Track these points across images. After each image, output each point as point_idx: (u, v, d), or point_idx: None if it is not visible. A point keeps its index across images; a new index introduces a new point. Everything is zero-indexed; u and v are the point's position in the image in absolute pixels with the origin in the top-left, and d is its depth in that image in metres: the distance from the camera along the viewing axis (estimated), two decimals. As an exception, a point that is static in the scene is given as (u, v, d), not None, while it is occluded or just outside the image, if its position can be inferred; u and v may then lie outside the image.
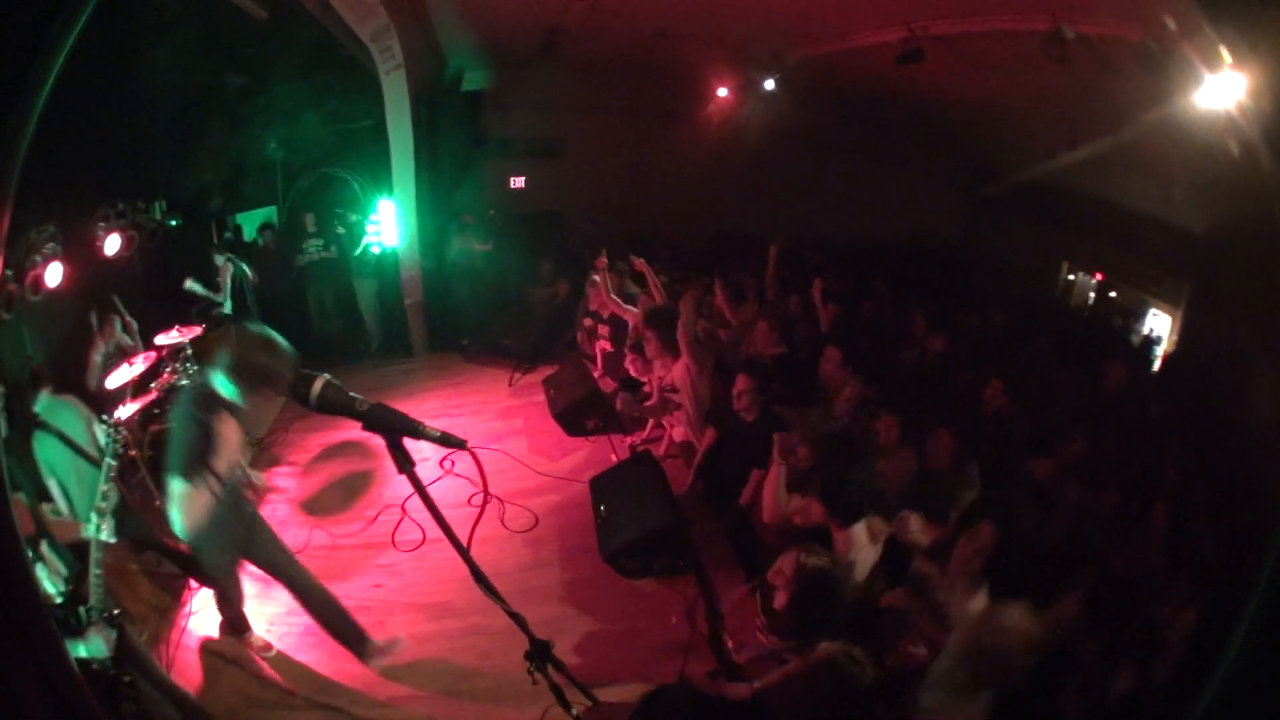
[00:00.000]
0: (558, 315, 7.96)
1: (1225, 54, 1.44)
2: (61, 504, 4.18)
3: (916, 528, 3.69)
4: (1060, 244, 7.71)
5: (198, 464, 3.30)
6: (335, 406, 1.63)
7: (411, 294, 8.72)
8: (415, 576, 4.82)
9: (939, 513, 3.76)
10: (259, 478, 3.91)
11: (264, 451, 6.81)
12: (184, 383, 6.23)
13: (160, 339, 6.26)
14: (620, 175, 9.31)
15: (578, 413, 6.33)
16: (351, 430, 6.30)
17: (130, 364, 5.77)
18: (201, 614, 4.75)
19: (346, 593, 4.69)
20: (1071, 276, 7.85)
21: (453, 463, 5.79)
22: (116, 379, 5.64)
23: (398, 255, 8.63)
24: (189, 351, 6.45)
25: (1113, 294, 7.51)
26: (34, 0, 1.00)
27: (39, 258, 5.32)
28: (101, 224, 6.37)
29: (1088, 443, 4.39)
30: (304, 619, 4.51)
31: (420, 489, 1.76)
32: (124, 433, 3.31)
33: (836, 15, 6.34)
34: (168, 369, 6.18)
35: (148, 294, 7.46)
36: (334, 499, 5.88)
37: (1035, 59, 5.30)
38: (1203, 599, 3.04)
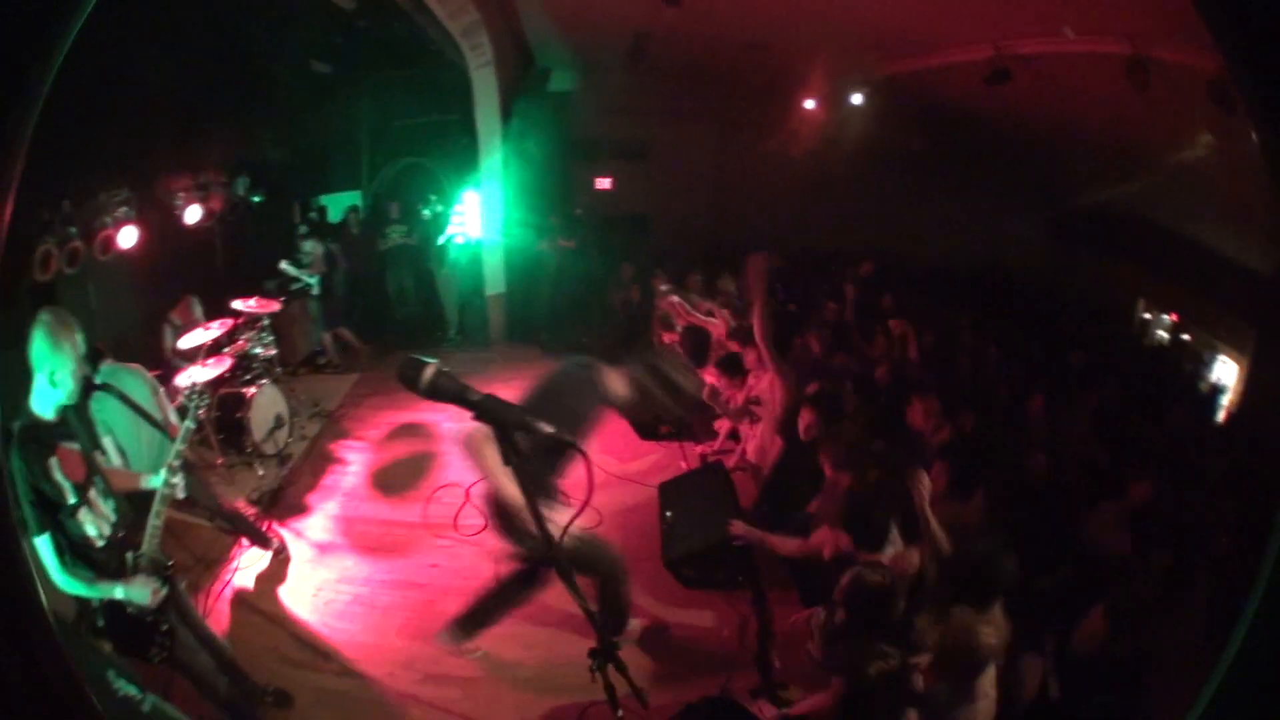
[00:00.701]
0: (636, 318, 7.77)
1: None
2: (116, 461, 4.20)
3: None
4: (1138, 280, 7.38)
5: None
6: (446, 394, 1.54)
7: (493, 285, 8.71)
8: (472, 561, 4.70)
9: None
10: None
11: (334, 424, 6.88)
12: (257, 351, 6.40)
13: (237, 304, 6.39)
14: (703, 182, 9.20)
15: (652, 417, 6.17)
16: (420, 412, 6.32)
17: (206, 328, 5.88)
18: (247, 570, 4.78)
19: (401, 569, 4.70)
20: (1148, 315, 7.51)
21: None
22: (189, 340, 5.75)
23: (481, 246, 8.63)
24: (265, 323, 6.61)
25: (1185, 336, 7.18)
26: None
27: (109, 220, 5.49)
28: (181, 194, 6.53)
29: (1148, 493, 4.08)
30: (354, 587, 4.56)
31: (525, 487, 1.67)
32: (208, 400, 3.33)
33: (924, 31, 6.13)
34: (242, 337, 6.29)
35: (226, 265, 7.67)
36: (399, 477, 5.86)
37: (1118, 85, 5.03)
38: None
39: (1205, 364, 6.76)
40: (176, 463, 3.01)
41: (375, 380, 7.85)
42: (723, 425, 6.04)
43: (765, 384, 5.25)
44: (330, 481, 5.87)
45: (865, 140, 7.69)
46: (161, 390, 4.68)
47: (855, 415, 4.64)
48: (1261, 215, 5.01)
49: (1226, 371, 6.55)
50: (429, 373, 1.55)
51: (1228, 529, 3.94)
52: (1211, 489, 4.59)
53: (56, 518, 2.64)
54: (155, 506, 2.94)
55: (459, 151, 8.64)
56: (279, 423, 6.19)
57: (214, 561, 4.89)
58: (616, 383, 3.78)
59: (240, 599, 4.56)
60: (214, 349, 5.99)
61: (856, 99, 7.38)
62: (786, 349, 5.63)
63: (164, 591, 2.87)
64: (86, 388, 4.27)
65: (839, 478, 3.97)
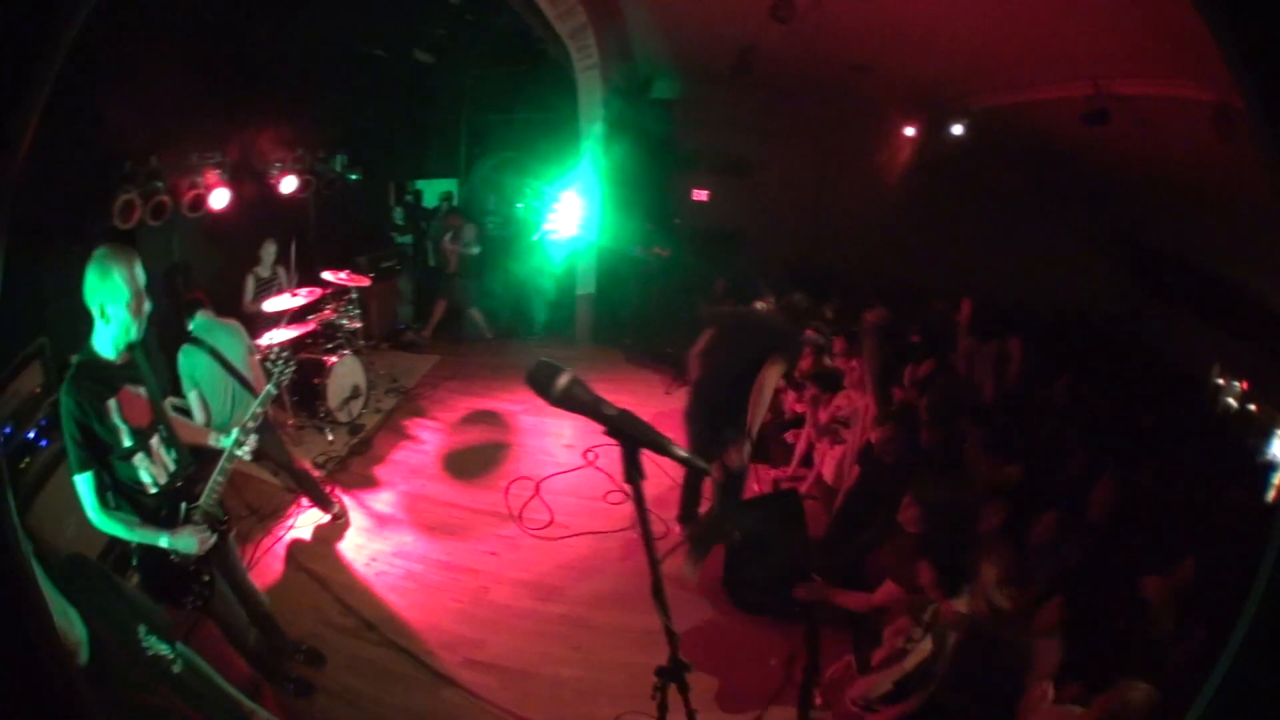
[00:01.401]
0: None
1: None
2: (199, 414, 4.33)
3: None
4: (1215, 341, 6.89)
5: None
6: (579, 404, 1.46)
7: (583, 285, 8.66)
8: (532, 555, 4.67)
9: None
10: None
11: (410, 401, 6.95)
12: (343, 322, 6.56)
13: (327, 276, 6.54)
14: (800, 202, 8.94)
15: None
16: (499, 401, 6.41)
17: (293, 295, 5.99)
18: (302, 530, 4.84)
19: (458, 552, 4.67)
20: (1220, 380, 7.01)
21: (596, 455, 5.79)
22: (275, 305, 5.87)
23: (574, 245, 8.57)
24: (353, 296, 6.74)
25: (1251, 406, 6.66)
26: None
27: (200, 180, 5.60)
28: (278, 164, 6.66)
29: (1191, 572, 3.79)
30: (408, 563, 4.55)
31: (640, 504, 1.60)
32: (294, 367, 3.30)
33: (1024, 62, 5.85)
34: (329, 306, 6.43)
35: (318, 236, 7.85)
36: (469, 462, 5.84)
37: (1210, 134, 4.62)
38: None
39: (1268, 438, 6.27)
40: (252, 424, 2.98)
41: (455, 364, 7.95)
42: (799, 446, 5.85)
43: (859, 406, 5.09)
44: (399, 457, 5.90)
45: (962, 171, 7.41)
46: (255, 349, 4.74)
47: (939, 462, 4.46)
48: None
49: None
50: (563, 380, 1.46)
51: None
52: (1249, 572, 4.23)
53: (106, 458, 2.59)
54: (222, 463, 2.91)
55: (556, 150, 8.63)
56: (355, 393, 6.29)
57: (268, 515, 4.97)
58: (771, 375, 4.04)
59: (292, 556, 4.60)
60: (298, 315, 6.14)
61: (957, 129, 7.12)
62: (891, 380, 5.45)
63: (212, 542, 2.83)
64: (178, 338, 4.41)
65: (915, 532, 3.81)
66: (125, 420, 2.61)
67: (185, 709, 1.53)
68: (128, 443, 2.62)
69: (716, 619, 4.18)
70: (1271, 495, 5.82)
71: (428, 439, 6.23)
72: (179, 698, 1.52)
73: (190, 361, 4.32)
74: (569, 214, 8.41)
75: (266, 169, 6.57)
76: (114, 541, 2.92)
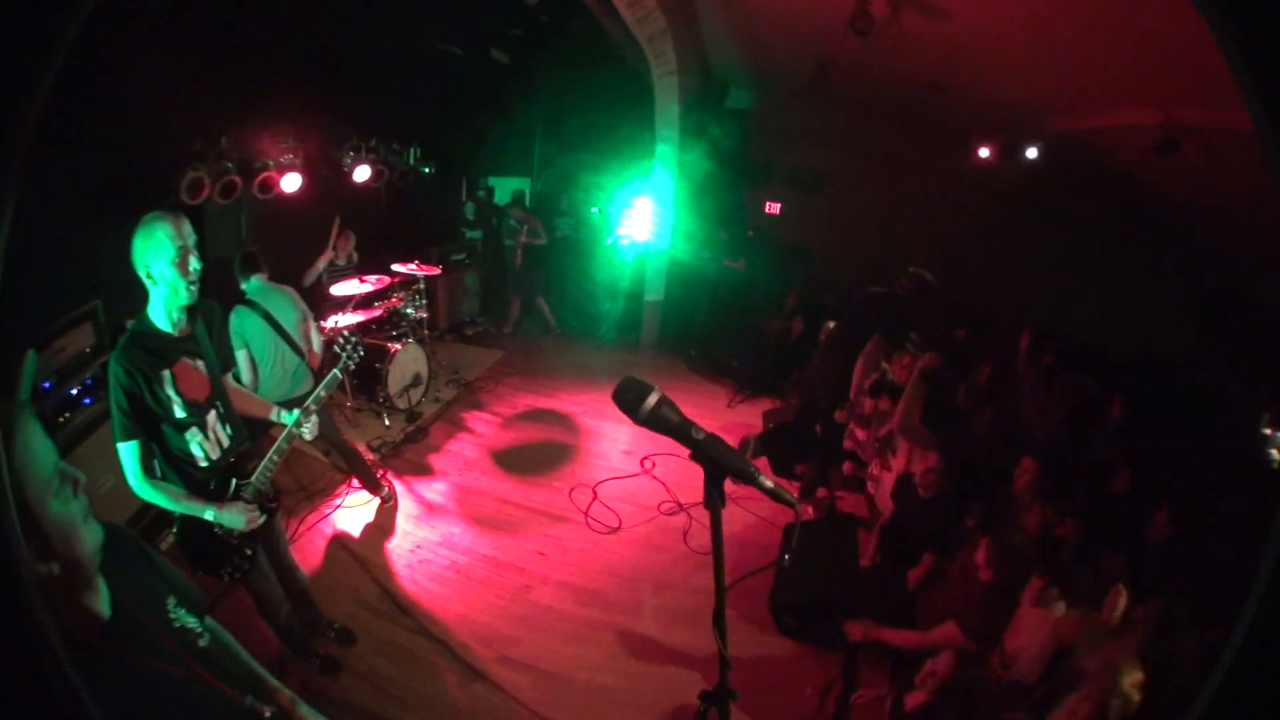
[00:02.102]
0: (789, 351, 7.44)
1: None
2: (245, 375, 4.30)
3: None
4: (1273, 389, 6.35)
5: None
6: (667, 426, 1.38)
7: (652, 292, 8.52)
8: (580, 559, 4.55)
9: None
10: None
11: (470, 394, 6.94)
12: (409, 310, 6.63)
13: (397, 267, 6.61)
14: (872, 221, 8.62)
15: (789, 454, 5.80)
16: (560, 401, 6.40)
17: (362, 280, 6.06)
18: (349, 510, 4.84)
19: (506, 547, 4.59)
20: (1268, 430, 6.46)
21: (653, 463, 5.67)
22: (342, 289, 5.94)
23: (645, 251, 8.47)
24: (421, 286, 6.81)
25: None
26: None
27: (272, 163, 5.66)
28: (351, 153, 6.72)
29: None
30: (453, 554, 4.48)
31: (717, 530, 1.51)
32: (361, 352, 3.21)
33: (1099, 86, 5.54)
34: (397, 295, 6.50)
35: (389, 225, 7.93)
36: (526, 459, 5.76)
37: None
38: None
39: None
40: (314, 406, 2.90)
41: (519, 361, 7.93)
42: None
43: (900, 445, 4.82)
44: (454, 448, 5.87)
45: (1034, 196, 7.09)
46: (311, 318, 4.73)
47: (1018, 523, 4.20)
48: None
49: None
50: (652, 400, 1.37)
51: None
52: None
53: (155, 428, 2.53)
54: (279, 442, 2.82)
55: (630, 155, 8.57)
56: (416, 381, 6.31)
57: (316, 493, 5.00)
58: None
59: (336, 536, 4.59)
60: (365, 301, 6.21)
61: (1031, 152, 6.77)
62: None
63: (260, 520, 2.77)
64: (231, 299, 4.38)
65: (984, 575, 3.58)
66: (180, 393, 2.55)
67: (210, 680, 1.47)
68: (180, 414, 2.56)
69: (757, 640, 3.98)
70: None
71: (484, 432, 6.18)
72: (204, 671, 1.47)
73: (241, 322, 4.33)
74: (642, 219, 8.30)
75: (341, 157, 6.64)
76: (146, 509, 2.90)
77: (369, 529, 4.70)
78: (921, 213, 8.15)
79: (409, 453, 5.75)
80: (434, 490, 5.23)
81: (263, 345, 4.40)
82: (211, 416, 2.71)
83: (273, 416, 3.00)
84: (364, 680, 3.47)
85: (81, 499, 1.30)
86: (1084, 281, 7.41)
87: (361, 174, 6.82)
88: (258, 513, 2.75)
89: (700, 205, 8.31)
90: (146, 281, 2.44)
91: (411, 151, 7.71)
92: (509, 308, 8.81)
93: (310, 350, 4.63)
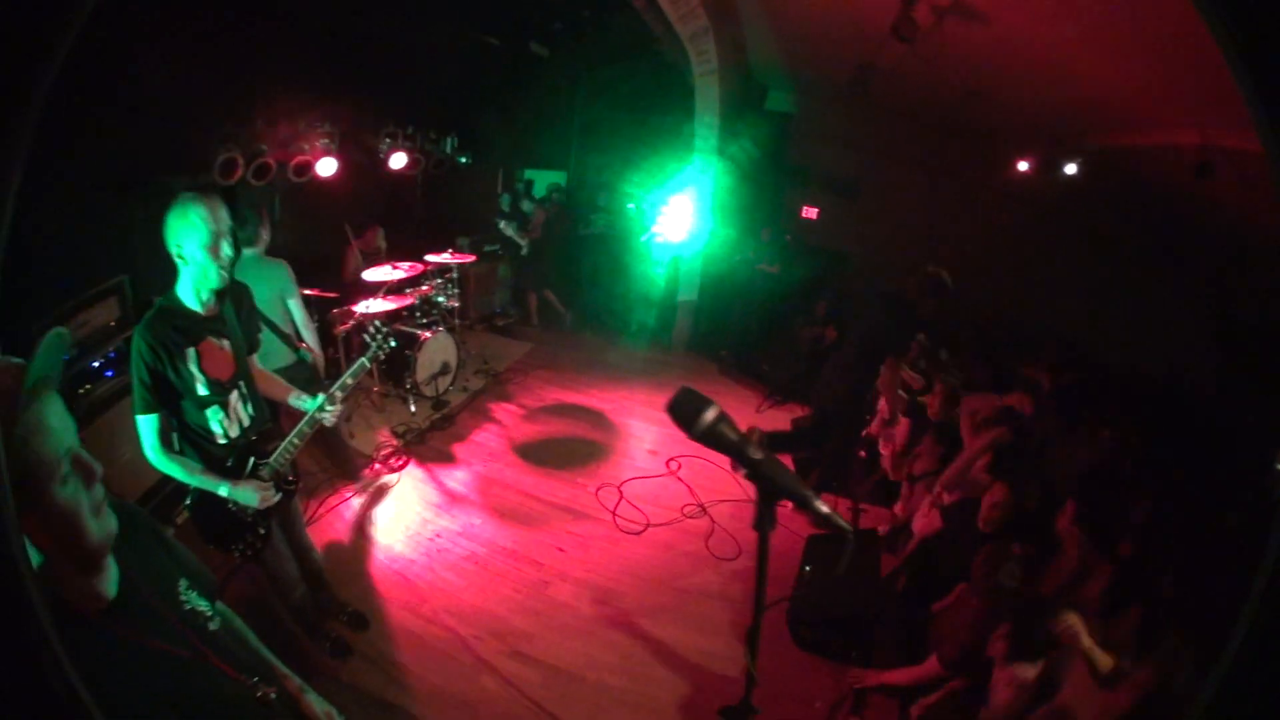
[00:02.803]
0: (820, 358, 7.36)
1: None
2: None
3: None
4: None
5: None
6: (723, 443, 1.30)
7: (686, 292, 8.41)
8: (600, 558, 4.47)
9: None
10: None
11: (498, 385, 6.91)
12: (440, 299, 6.61)
13: (430, 256, 6.57)
14: (909, 229, 8.38)
15: (796, 460, 5.69)
16: (589, 397, 6.23)
17: (395, 268, 6.00)
18: (372, 496, 4.83)
19: (526, 541, 4.53)
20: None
21: (679, 465, 5.59)
22: (374, 275, 5.88)
23: (681, 250, 8.32)
24: (454, 275, 6.78)
25: None
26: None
27: (306, 147, 5.64)
28: (388, 140, 6.67)
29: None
30: (472, 545, 4.43)
31: (763, 550, 1.44)
32: (392, 343, 3.16)
33: (1139, 103, 5.34)
34: (428, 283, 6.47)
35: (422, 214, 7.93)
36: (551, 453, 5.67)
37: None
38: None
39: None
40: (340, 394, 2.85)
41: (548, 354, 7.87)
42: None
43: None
44: (480, 438, 5.82)
45: (1071, 213, 6.89)
46: (295, 296, 4.28)
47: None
48: None
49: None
50: (710, 415, 1.29)
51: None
52: None
53: (175, 404, 2.52)
54: (301, 426, 2.78)
55: (669, 152, 8.46)
56: (444, 369, 6.28)
57: (336, 477, 4.97)
58: None
59: (357, 519, 4.58)
60: (397, 288, 6.17)
61: (1070, 168, 6.55)
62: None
63: (275, 500, 2.73)
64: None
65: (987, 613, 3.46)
66: (204, 371, 2.54)
67: (216, 663, 1.44)
68: (203, 392, 2.55)
69: (770, 650, 3.90)
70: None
71: (510, 424, 6.12)
72: (211, 653, 1.44)
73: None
74: (678, 218, 8.18)
75: (377, 144, 6.60)
76: (164, 481, 2.87)
77: (389, 515, 4.67)
78: (958, 223, 7.94)
79: (434, 440, 5.71)
80: (456, 479, 5.18)
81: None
82: (234, 396, 2.69)
83: (291, 400, 2.94)
84: (374, 665, 3.44)
85: (96, 490, 1.26)
86: (1119, 304, 7.16)
87: (398, 161, 6.80)
88: (273, 492, 2.72)
89: (737, 207, 8.18)
90: (178, 261, 2.42)
91: (449, 140, 7.67)
92: (526, 302, 8.81)
93: (291, 326, 4.31)
